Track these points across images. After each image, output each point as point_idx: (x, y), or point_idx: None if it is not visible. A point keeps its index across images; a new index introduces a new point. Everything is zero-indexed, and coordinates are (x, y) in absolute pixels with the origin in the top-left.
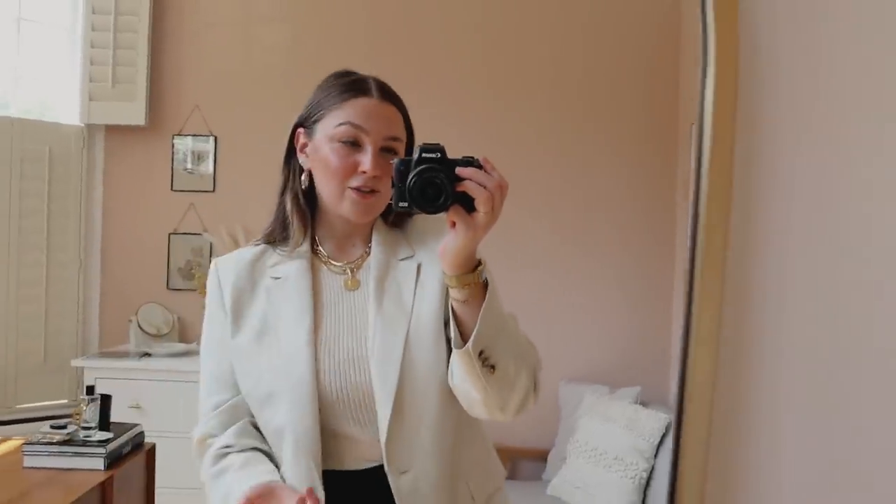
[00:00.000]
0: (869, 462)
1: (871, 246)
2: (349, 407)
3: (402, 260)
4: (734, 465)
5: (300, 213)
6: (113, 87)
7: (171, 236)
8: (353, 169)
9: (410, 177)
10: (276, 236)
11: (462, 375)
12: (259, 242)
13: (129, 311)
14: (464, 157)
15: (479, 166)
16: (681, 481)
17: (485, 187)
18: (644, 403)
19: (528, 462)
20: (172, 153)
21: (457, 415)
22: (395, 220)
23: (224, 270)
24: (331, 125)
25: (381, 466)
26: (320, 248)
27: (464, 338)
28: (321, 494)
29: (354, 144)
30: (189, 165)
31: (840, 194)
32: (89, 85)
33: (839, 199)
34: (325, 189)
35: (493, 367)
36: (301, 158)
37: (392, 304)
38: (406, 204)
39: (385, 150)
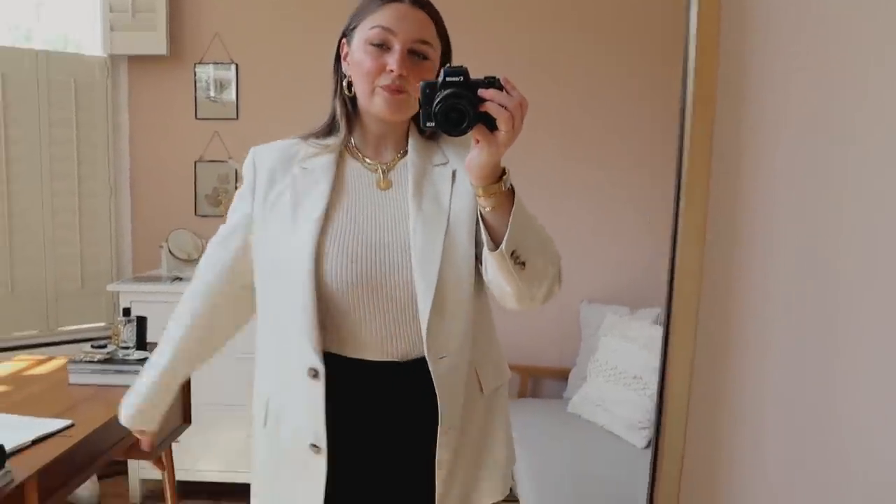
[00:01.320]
0: (849, 445)
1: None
2: (391, 296)
3: (437, 166)
4: (717, 455)
5: (346, 115)
6: (133, 16)
7: (197, 164)
8: (381, 68)
9: (436, 101)
10: (318, 133)
11: (495, 272)
12: (295, 138)
13: (159, 238)
14: (486, 77)
15: (501, 87)
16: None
17: (505, 108)
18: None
19: (549, 381)
20: (195, 82)
21: (479, 309)
22: (429, 131)
23: (260, 156)
24: (365, 30)
25: (394, 362)
26: (357, 147)
27: (494, 240)
28: (321, 372)
29: (384, 46)
30: (212, 94)
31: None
32: (109, 15)
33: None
34: (359, 89)
35: (523, 263)
36: (344, 66)
37: (431, 205)
38: (433, 125)
39: (413, 53)
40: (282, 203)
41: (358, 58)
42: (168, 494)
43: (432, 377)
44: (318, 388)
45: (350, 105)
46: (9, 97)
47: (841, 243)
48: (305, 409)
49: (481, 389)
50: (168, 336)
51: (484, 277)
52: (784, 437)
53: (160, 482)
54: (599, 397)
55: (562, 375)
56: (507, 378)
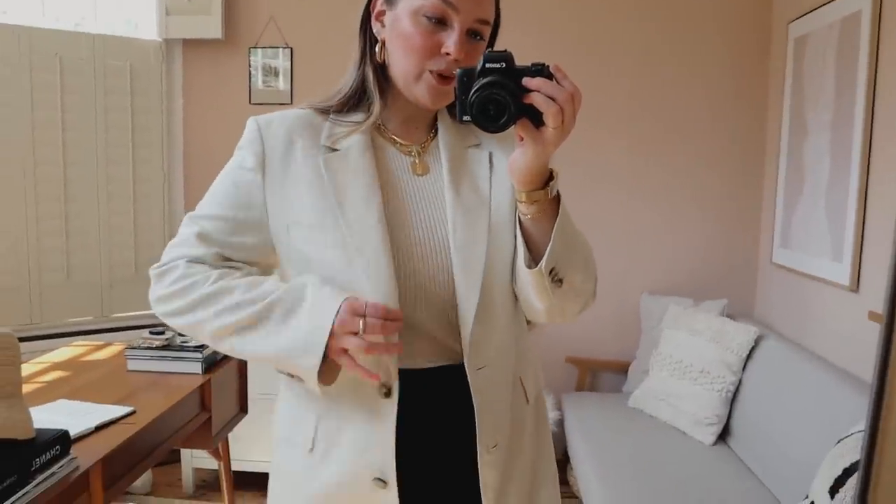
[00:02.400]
0: None
1: None
2: (426, 295)
3: (470, 147)
4: None
5: (380, 87)
6: (189, 0)
7: None
8: (436, 49)
9: (473, 90)
10: (342, 104)
11: (527, 287)
12: (305, 108)
13: None
14: (533, 64)
15: (550, 76)
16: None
17: (554, 100)
18: (731, 316)
19: (608, 374)
20: (249, 66)
21: (518, 310)
22: None
23: (270, 130)
24: None
25: (448, 367)
26: (384, 126)
27: (532, 251)
28: (396, 390)
29: (440, 22)
30: (266, 78)
31: None
32: (166, 0)
33: None
34: (401, 66)
35: (560, 281)
36: (376, 27)
37: (470, 193)
38: (468, 118)
39: (471, 33)
40: (314, 184)
41: (406, 29)
42: (224, 484)
43: (470, 389)
44: (390, 409)
45: (382, 73)
46: (65, 82)
47: None
48: (370, 434)
49: (527, 399)
50: (229, 283)
51: (513, 286)
52: None
53: (212, 471)
54: (663, 391)
55: (621, 369)
56: (542, 381)
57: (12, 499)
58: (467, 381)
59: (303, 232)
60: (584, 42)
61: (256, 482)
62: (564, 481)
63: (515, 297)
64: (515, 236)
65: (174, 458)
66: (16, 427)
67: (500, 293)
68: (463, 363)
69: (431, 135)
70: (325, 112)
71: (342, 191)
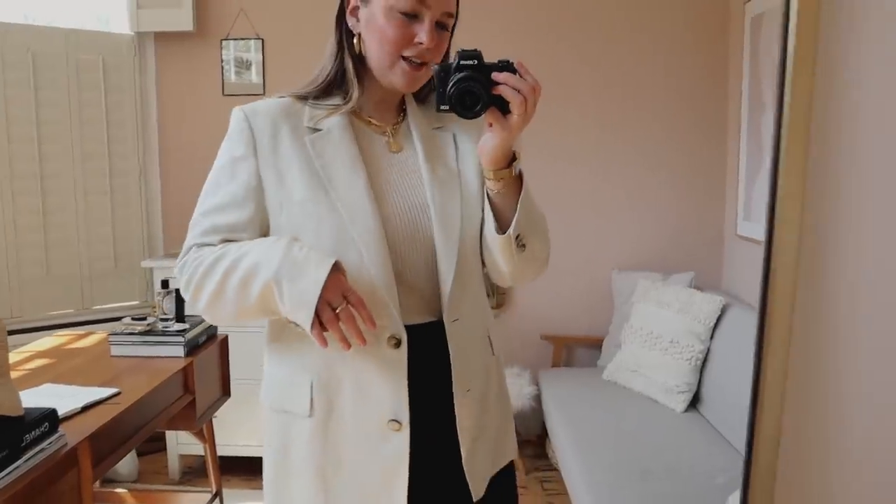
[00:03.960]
0: None
1: None
2: (411, 257)
3: (435, 129)
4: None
5: (358, 75)
6: None
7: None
8: (409, 40)
9: (450, 84)
10: (320, 93)
11: (496, 252)
12: (284, 96)
13: (190, 214)
14: (499, 60)
15: (514, 70)
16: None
17: (519, 91)
18: (699, 287)
19: (582, 350)
20: (221, 58)
21: (484, 276)
22: (420, 94)
23: (256, 118)
24: None
25: (430, 323)
26: (359, 109)
27: (499, 222)
28: (403, 340)
29: (412, 16)
30: (238, 69)
31: None
32: None
33: None
34: (377, 56)
35: (524, 246)
36: (351, 21)
37: (442, 168)
38: (447, 108)
39: (439, 25)
40: (303, 163)
41: (381, 24)
42: (210, 467)
43: (447, 340)
44: (401, 358)
45: (359, 62)
46: (39, 78)
47: None
48: (384, 383)
49: (493, 352)
50: (233, 248)
51: (483, 253)
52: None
53: (198, 458)
54: (635, 363)
55: (595, 344)
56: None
57: (3, 473)
58: (437, 335)
59: (295, 207)
60: (546, 22)
61: (242, 466)
62: (543, 455)
63: (482, 263)
64: (483, 209)
65: (160, 447)
66: (4, 405)
67: (471, 256)
68: (443, 318)
69: (400, 117)
70: (303, 98)
71: (330, 166)
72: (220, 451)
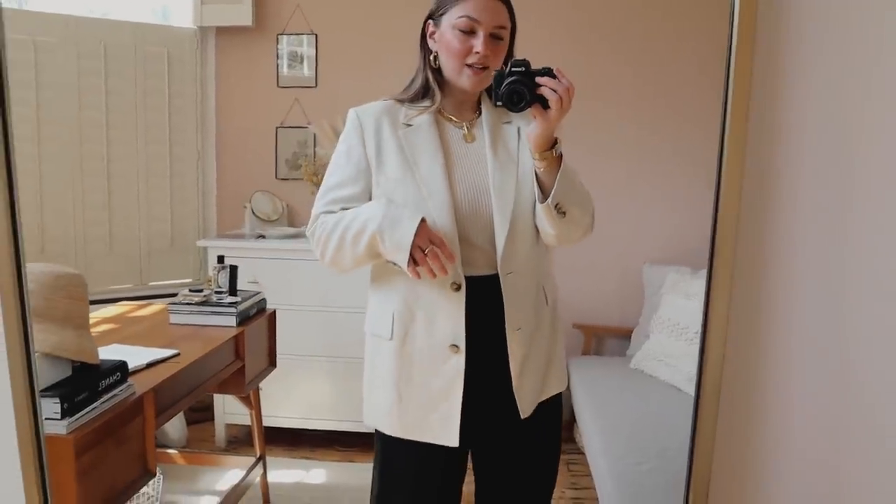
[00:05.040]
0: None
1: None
2: (475, 223)
3: (505, 123)
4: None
5: (438, 83)
6: None
7: (279, 130)
8: (469, 50)
9: (503, 85)
10: (413, 97)
11: (542, 218)
12: (387, 100)
13: (242, 199)
14: (544, 67)
15: (553, 75)
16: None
17: (556, 91)
18: None
19: (612, 339)
20: (277, 51)
21: (539, 240)
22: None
23: (364, 115)
24: (453, 17)
25: (491, 275)
26: (443, 109)
27: (544, 193)
28: (463, 285)
29: (470, 32)
30: (291, 62)
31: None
32: None
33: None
34: (448, 66)
35: (564, 213)
36: (430, 43)
37: (504, 154)
38: (500, 104)
39: (493, 36)
40: (397, 151)
41: (448, 40)
42: (255, 433)
43: (501, 288)
44: (461, 298)
45: (438, 74)
46: (110, 67)
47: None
48: (447, 317)
49: (546, 301)
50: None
51: (535, 220)
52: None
53: (244, 427)
54: (662, 352)
55: (625, 334)
56: (558, 292)
57: (84, 411)
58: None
59: (390, 184)
60: (588, 24)
61: (284, 437)
62: (571, 439)
63: (537, 231)
64: (534, 185)
65: (208, 417)
66: (85, 352)
67: (524, 223)
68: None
69: (477, 114)
70: (401, 101)
71: (416, 153)
72: (265, 422)
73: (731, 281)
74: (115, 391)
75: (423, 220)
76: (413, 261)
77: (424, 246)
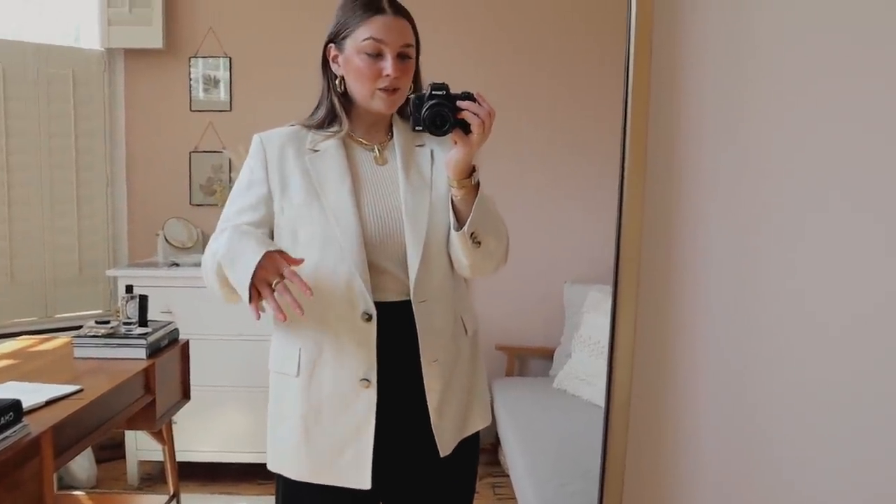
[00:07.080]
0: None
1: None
2: (386, 248)
3: (417, 146)
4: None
5: (344, 108)
6: (130, 11)
7: (192, 154)
8: (378, 74)
9: (424, 109)
10: (320, 123)
11: (456, 247)
12: (294, 125)
13: (155, 226)
14: (463, 91)
15: (474, 99)
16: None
17: (477, 115)
18: None
19: (535, 360)
20: (189, 74)
21: (454, 268)
22: (404, 114)
23: (268, 141)
24: (357, 40)
25: (403, 301)
26: (353, 133)
27: (459, 221)
28: (374, 315)
29: (377, 55)
30: (206, 86)
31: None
32: (108, 10)
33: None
34: (358, 90)
35: (479, 242)
36: (334, 67)
37: (417, 178)
38: (421, 128)
39: (401, 56)
40: (302, 176)
41: (355, 64)
42: (169, 469)
43: (414, 317)
44: (371, 329)
45: (344, 98)
46: (9, 90)
47: (767, 232)
48: (357, 349)
49: (466, 332)
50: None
51: (449, 249)
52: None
53: (157, 464)
54: (584, 372)
55: (547, 354)
56: (478, 324)
57: None
58: (406, 313)
59: (293, 211)
60: (506, 57)
61: (200, 472)
62: (496, 462)
63: (451, 258)
64: (449, 212)
65: (119, 455)
66: None
67: (438, 250)
68: (405, 301)
69: (389, 136)
70: (308, 127)
71: (322, 178)
72: (179, 458)
73: (636, 297)
74: (8, 432)
75: (270, 253)
76: (259, 295)
77: (272, 279)
